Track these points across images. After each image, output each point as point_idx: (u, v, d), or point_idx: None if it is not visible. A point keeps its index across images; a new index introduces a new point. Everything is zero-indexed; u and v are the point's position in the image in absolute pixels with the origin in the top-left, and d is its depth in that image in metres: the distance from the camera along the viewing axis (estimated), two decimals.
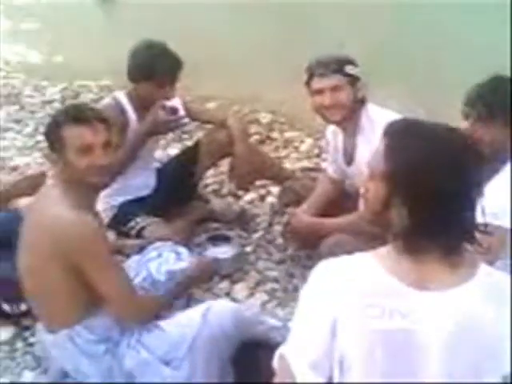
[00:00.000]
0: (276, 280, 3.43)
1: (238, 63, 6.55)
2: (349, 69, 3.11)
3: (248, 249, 3.68)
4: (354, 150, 3.24)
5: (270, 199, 4.20)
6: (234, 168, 3.83)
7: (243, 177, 3.85)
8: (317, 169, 4.61)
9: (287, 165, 4.57)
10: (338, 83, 3.10)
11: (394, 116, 3.08)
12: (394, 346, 1.54)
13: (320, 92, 3.12)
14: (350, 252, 3.05)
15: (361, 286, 1.58)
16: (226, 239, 3.57)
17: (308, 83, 3.18)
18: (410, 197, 1.55)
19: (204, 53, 6.29)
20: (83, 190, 2.51)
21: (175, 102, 3.55)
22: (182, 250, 3.02)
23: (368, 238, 3.01)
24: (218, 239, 3.56)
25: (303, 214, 3.41)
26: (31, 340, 2.97)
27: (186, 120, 3.70)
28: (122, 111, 3.56)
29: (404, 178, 1.55)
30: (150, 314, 2.57)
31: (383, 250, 1.65)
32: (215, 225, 3.91)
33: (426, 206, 1.54)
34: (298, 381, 1.59)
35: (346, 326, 1.56)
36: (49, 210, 2.40)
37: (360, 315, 1.55)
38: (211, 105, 5.78)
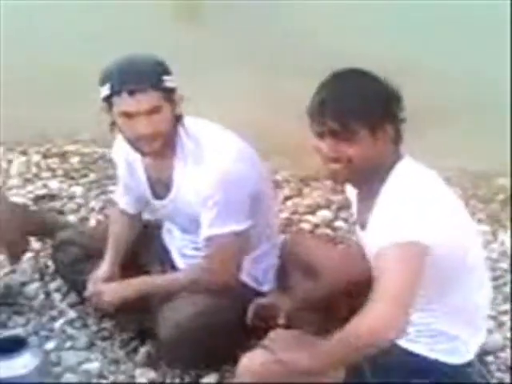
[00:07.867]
0: None
1: None
2: (168, 80, 2.25)
3: (50, 345, 2.58)
4: (171, 173, 2.36)
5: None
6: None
7: (16, 241, 2.79)
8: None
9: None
10: (158, 103, 2.22)
11: (223, 132, 2.38)
12: None
13: (130, 116, 2.21)
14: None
15: None
16: (19, 343, 2.34)
17: (108, 100, 2.24)
18: None
19: None
20: None
21: None
22: None
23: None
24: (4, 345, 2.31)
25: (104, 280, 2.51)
26: None
27: None
28: None
29: None
30: None
31: None
32: None
33: None
34: None
35: None
36: None
37: None
38: None
